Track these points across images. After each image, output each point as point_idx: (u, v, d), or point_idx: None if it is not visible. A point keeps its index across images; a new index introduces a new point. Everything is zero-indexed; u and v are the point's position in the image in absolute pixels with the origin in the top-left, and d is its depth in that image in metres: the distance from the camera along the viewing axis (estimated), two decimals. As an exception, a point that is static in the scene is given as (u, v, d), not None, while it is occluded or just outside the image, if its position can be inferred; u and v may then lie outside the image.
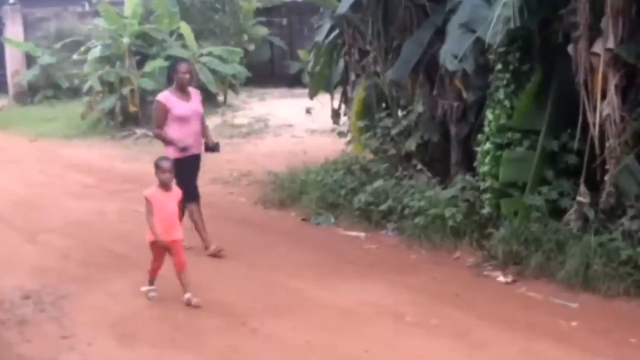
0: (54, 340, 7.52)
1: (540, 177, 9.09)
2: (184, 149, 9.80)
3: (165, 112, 9.88)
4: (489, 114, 9.36)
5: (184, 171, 9.50)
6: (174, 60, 11.06)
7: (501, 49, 9.15)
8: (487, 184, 9.35)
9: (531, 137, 9.16)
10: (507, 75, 9.19)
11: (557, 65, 9.12)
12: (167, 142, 9.91)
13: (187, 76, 9.95)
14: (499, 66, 9.28)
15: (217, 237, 10.81)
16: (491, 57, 9.37)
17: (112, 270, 9.57)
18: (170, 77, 10.15)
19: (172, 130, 9.88)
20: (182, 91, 9.97)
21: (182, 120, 9.87)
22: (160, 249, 8.29)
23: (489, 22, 8.80)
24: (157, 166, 8.41)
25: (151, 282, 8.50)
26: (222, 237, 10.82)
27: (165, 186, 8.31)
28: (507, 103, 9.19)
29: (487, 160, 9.32)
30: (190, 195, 9.79)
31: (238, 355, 7.05)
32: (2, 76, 30.85)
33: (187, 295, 8.16)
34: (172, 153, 9.70)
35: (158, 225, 8.15)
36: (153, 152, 18.48)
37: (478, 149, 9.60)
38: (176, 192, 8.44)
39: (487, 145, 9.34)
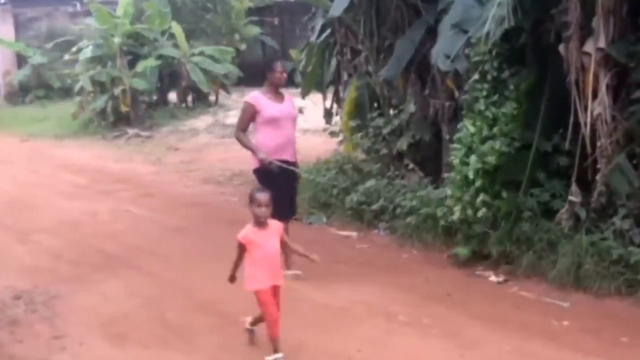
0: (45, 340, 7.51)
1: (532, 178, 9.06)
2: (263, 161, 8.99)
3: (252, 114, 9.18)
4: (470, 126, 9.06)
5: (271, 181, 8.62)
6: (269, 60, 10.30)
7: (477, 58, 9.06)
8: (466, 197, 9.05)
9: (521, 139, 9.05)
10: (486, 86, 9.02)
11: (549, 65, 9.12)
12: (248, 148, 9.20)
13: (285, 75, 9.37)
14: (476, 76, 9.11)
15: (209, 238, 10.84)
16: (466, 64, 9.28)
17: (103, 271, 9.56)
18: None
19: (262, 135, 9.19)
20: (275, 92, 9.31)
21: (273, 122, 9.12)
22: (267, 294, 6.81)
23: (481, 22, 8.80)
24: (252, 199, 6.88)
25: (276, 348, 6.79)
26: (214, 237, 10.83)
27: (260, 223, 6.85)
28: (488, 114, 8.96)
29: (473, 174, 8.93)
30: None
31: (229, 355, 7.04)
32: (-7, 76, 30.85)
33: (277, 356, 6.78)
34: (255, 161, 9.16)
35: (256, 269, 6.82)
36: (145, 152, 18.57)
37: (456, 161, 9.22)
38: (275, 227, 6.99)
39: (473, 159, 8.92)
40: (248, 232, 6.88)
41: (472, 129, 9.03)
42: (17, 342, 7.51)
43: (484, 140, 8.96)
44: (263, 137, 9.15)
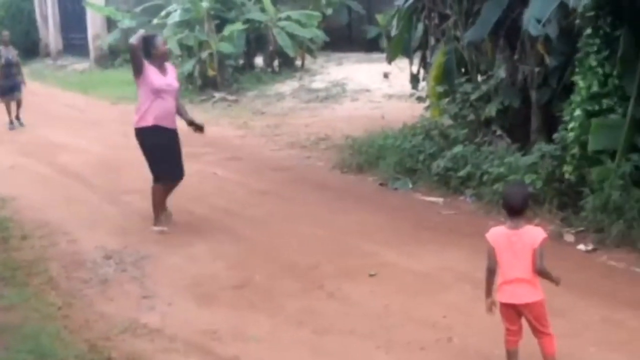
0: (135, 299, 7.67)
1: (629, 144, 8.84)
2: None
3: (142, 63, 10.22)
4: (580, 81, 9.00)
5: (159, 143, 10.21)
6: (150, 36, 10.83)
7: (590, 13, 8.87)
8: (574, 151, 9.09)
9: (623, 104, 8.85)
10: (597, 41, 8.84)
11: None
12: None
13: (166, 48, 10.60)
14: (588, 31, 8.99)
15: (295, 201, 10.89)
16: (577, 21, 9.11)
17: (191, 232, 9.68)
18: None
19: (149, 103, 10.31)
20: (160, 65, 10.23)
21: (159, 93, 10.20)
22: (507, 311, 5.87)
23: (573, -15, 8.62)
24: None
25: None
26: (300, 200, 10.89)
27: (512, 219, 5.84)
28: (599, 70, 8.82)
29: (574, 127, 9.03)
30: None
31: (314, 318, 7.08)
32: (84, 40, 31.33)
33: None
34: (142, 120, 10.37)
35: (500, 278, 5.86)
36: (231, 116, 18.70)
37: (565, 116, 9.33)
38: (530, 233, 5.89)
39: (577, 113, 8.96)
40: (495, 231, 5.99)
41: (580, 84, 8.86)
42: (108, 300, 7.67)
43: (592, 97, 8.78)
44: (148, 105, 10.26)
